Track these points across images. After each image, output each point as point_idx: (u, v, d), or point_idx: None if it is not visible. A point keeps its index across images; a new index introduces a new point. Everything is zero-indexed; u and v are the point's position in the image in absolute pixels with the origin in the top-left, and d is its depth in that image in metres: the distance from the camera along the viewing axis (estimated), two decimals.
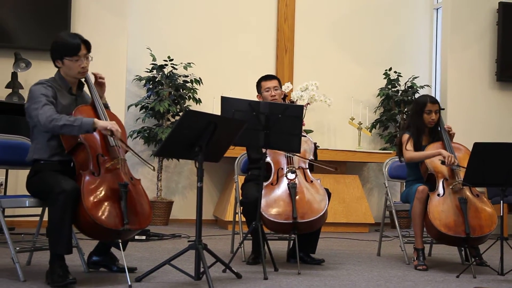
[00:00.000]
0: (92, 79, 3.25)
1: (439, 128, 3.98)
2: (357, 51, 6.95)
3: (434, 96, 6.97)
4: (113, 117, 3.23)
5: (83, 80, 3.24)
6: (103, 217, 2.89)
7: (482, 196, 3.80)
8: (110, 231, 2.91)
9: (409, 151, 3.91)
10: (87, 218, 2.87)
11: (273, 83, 3.99)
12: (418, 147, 3.95)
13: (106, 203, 2.94)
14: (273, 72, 6.57)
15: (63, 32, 3.22)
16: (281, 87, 4.06)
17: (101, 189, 2.96)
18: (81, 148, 3.04)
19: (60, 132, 2.99)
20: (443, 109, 4.12)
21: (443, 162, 3.74)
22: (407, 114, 6.69)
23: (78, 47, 3.09)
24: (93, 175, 2.99)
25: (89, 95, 3.25)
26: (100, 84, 3.26)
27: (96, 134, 3.08)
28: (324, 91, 6.37)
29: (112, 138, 3.08)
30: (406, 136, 3.98)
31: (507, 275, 3.58)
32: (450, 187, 3.76)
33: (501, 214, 3.65)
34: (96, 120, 2.98)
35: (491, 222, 3.67)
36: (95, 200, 2.92)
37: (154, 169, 3.21)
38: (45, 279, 2.96)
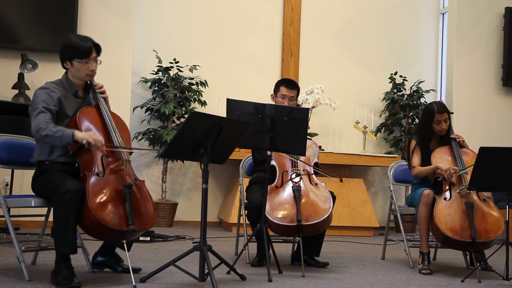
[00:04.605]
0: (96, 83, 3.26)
1: (450, 135, 3.98)
2: (362, 55, 6.95)
3: (440, 100, 6.98)
4: (117, 118, 3.24)
5: (88, 81, 3.25)
6: (108, 217, 2.90)
7: (489, 201, 3.79)
8: (114, 232, 2.92)
9: (415, 168, 3.95)
10: (92, 218, 2.88)
11: (292, 92, 3.96)
12: (425, 153, 3.95)
13: (110, 204, 2.94)
14: (278, 75, 6.59)
15: (74, 34, 3.23)
16: (297, 97, 4.05)
17: (105, 190, 2.97)
18: (86, 149, 3.04)
19: (46, 141, 3.02)
20: (452, 113, 4.11)
21: (444, 179, 3.75)
22: (412, 118, 6.69)
23: (89, 50, 3.12)
24: (97, 176, 2.99)
25: (94, 97, 3.26)
26: (101, 93, 3.25)
27: (100, 135, 3.09)
28: (330, 95, 6.37)
29: (115, 138, 3.10)
30: (413, 143, 4.00)
31: None
32: (457, 191, 3.75)
33: (507, 219, 3.63)
34: (76, 132, 2.96)
35: (497, 227, 3.65)
36: (100, 201, 2.92)
37: (158, 156, 3.21)
38: (50, 279, 2.97)
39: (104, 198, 2.94)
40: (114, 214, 2.92)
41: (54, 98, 3.07)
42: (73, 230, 2.89)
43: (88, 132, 3.00)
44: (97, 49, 3.16)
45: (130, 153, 3.22)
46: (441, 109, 3.94)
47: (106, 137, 3.12)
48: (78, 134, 2.96)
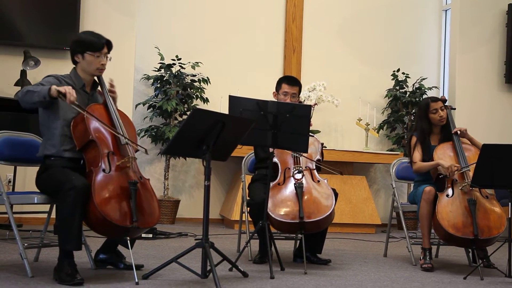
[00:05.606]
0: (106, 83, 3.27)
1: (452, 130, 3.98)
2: (365, 52, 6.94)
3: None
4: (123, 116, 3.26)
5: (96, 79, 3.26)
6: (113, 213, 2.91)
7: (491, 198, 3.78)
8: (119, 228, 2.93)
9: (416, 163, 3.93)
10: (97, 214, 2.89)
11: (293, 89, 3.94)
12: (426, 148, 3.96)
13: (115, 200, 2.96)
14: (280, 72, 6.59)
15: (86, 31, 3.31)
16: (299, 94, 4.04)
17: (111, 186, 2.98)
18: (92, 145, 3.06)
19: (25, 99, 2.99)
20: (454, 108, 4.11)
21: (445, 176, 3.74)
22: (414, 115, 6.68)
23: (102, 44, 3.17)
24: (103, 173, 3.00)
25: (101, 95, 3.28)
26: (111, 93, 3.27)
27: (106, 133, 3.10)
28: (332, 92, 6.36)
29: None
30: (414, 139, 4.00)
31: None
32: (460, 188, 3.75)
33: (510, 216, 3.63)
34: (53, 86, 2.96)
35: (500, 224, 3.65)
36: (105, 196, 2.93)
37: (146, 152, 3.21)
38: (53, 275, 2.97)
39: (110, 194, 2.95)
40: (119, 211, 2.93)
41: (55, 83, 3.07)
42: (78, 226, 2.90)
43: (63, 86, 2.99)
44: (109, 45, 3.22)
45: (136, 151, 3.23)
46: (434, 98, 4.00)
47: (112, 134, 3.11)
48: (54, 87, 2.95)
